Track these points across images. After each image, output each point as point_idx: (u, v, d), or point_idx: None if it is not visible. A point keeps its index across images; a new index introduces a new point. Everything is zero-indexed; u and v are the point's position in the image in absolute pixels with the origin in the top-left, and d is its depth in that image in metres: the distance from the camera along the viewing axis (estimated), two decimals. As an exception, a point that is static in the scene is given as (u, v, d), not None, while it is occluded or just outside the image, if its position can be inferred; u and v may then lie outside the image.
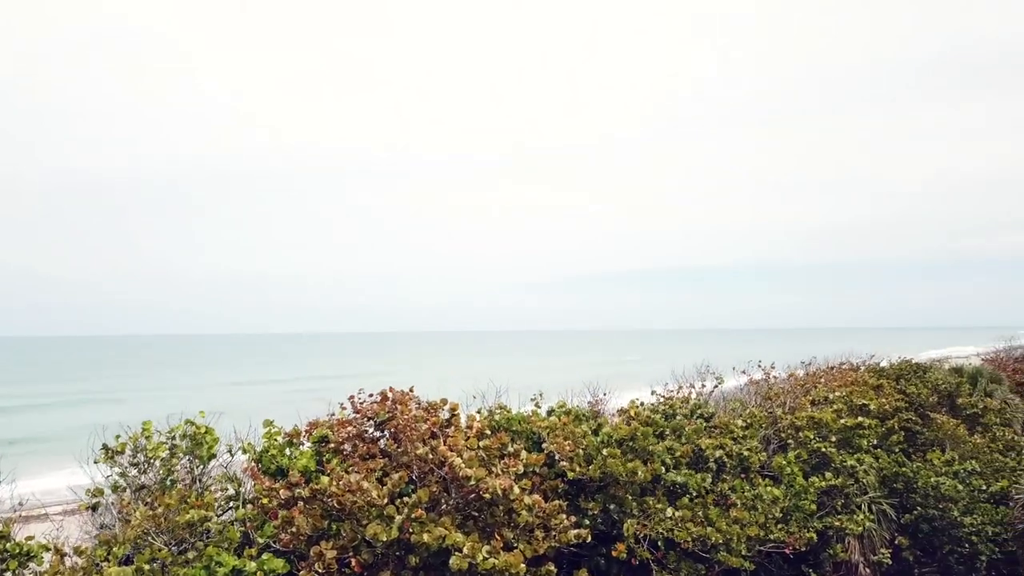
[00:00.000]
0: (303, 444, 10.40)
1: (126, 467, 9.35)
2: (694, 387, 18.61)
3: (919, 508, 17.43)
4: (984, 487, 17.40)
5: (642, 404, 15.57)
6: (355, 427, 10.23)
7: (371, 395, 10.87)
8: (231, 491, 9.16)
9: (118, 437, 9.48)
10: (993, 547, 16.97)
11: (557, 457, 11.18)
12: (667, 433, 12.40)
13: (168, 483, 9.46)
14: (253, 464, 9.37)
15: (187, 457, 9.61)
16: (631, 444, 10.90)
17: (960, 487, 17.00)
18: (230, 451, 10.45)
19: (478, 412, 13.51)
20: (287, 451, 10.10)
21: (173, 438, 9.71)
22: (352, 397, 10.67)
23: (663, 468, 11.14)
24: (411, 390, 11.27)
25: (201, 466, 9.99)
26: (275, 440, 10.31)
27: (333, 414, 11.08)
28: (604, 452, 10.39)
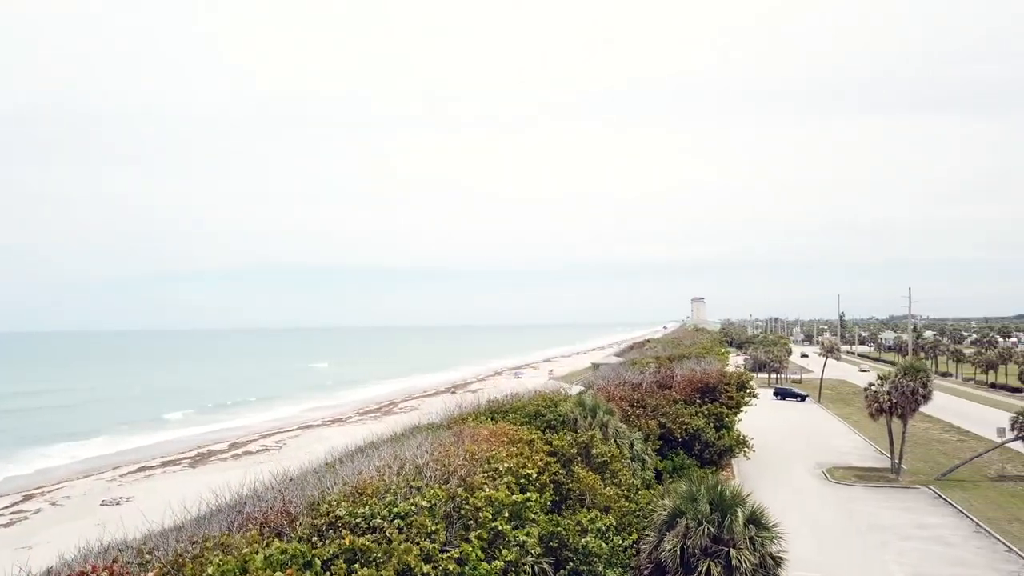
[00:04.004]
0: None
1: None
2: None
3: (571, 563, 20.15)
4: (621, 542, 20.74)
5: (338, 517, 15.75)
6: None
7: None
8: None
9: None
10: (627, 592, 20.35)
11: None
12: (380, 558, 12.85)
13: None
14: None
15: None
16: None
17: (604, 544, 20.09)
18: None
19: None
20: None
21: None
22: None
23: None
24: None
25: None
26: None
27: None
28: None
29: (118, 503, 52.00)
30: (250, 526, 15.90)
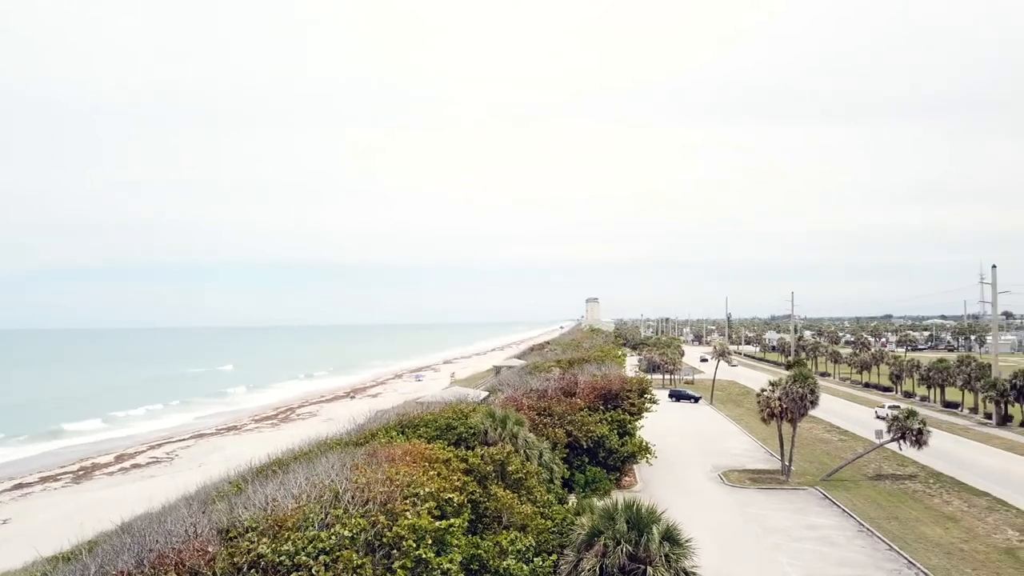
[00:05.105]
0: None
1: None
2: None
3: (492, 586, 20.28)
4: (541, 562, 21.01)
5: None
6: None
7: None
8: None
9: None
10: (547, 612, 20.62)
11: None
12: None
13: None
14: None
15: None
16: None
17: (524, 566, 20.31)
18: None
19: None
20: None
21: None
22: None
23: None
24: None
25: None
26: None
27: None
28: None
29: (-6, 526, 48.48)
30: (165, 567, 15.24)
